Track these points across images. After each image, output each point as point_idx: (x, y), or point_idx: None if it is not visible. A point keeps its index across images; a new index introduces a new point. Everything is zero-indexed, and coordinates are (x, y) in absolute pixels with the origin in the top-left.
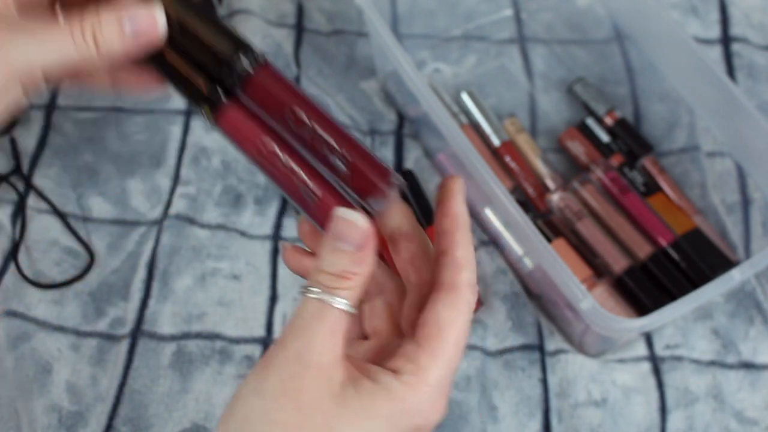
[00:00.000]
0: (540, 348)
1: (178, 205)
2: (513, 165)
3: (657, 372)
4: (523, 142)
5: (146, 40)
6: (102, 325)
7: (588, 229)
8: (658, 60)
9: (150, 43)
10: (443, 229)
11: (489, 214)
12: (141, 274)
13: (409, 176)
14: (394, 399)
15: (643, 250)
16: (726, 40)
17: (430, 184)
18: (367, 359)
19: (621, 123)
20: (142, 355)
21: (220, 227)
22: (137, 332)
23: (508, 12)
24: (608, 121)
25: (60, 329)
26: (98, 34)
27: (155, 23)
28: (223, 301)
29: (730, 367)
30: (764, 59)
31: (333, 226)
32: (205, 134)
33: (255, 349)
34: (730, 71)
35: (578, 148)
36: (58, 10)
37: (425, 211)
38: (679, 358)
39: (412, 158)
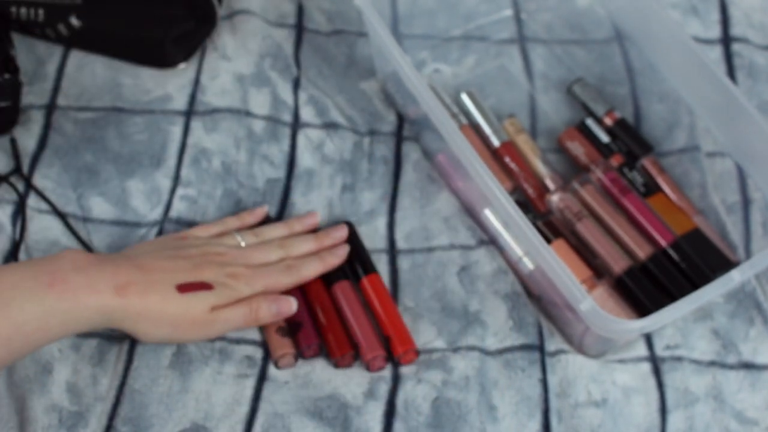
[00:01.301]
0: (540, 348)
1: (180, 209)
2: (513, 165)
3: (657, 372)
4: (523, 142)
5: (284, 315)
6: None
7: (588, 230)
8: (658, 60)
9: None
10: None
11: (488, 214)
12: None
13: (349, 227)
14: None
15: (643, 250)
16: (726, 40)
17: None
18: None
19: (620, 123)
20: (142, 356)
21: None
22: None
23: (508, 12)
24: (607, 121)
25: None
26: (259, 312)
27: (290, 308)
28: None
29: (731, 367)
30: (764, 59)
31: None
32: (205, 135)
33: (256, 351)
34: (731, 71)
35: (578, 148)
36: None
37: (363, 260)
38: (679, 359)
39: (411, 160)
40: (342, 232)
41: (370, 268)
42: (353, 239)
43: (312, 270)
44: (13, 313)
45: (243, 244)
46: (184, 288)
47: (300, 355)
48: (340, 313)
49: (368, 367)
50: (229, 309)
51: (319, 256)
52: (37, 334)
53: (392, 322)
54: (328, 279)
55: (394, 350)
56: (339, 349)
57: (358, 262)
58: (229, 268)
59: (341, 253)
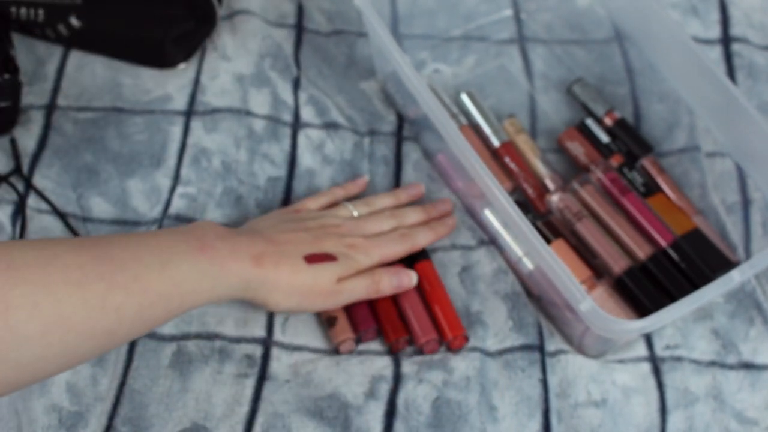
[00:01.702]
0: (540, 348)
1: (179, 206)
2: (512, 166)
3: (657, 372)
4: (523, 142)
5: (404, 289)
6: None
7: (588, 230)
8: (658, 60)
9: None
10: None
11: (488, 214)
12: None
13: None
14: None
15: (643, 250)
16: (726, 40)
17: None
18: None
19: (620, 123)
20: (142, 355)
21: None
22: None
23: (508, 12)
24: (607, 121)
25: None
26: (380, 284)
27: (410, 281)
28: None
29: (730, 367)
30: (764, 59)
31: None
32: (205, 135)
33: (256, 349)
34: (730, 71)
35: (578, 148)
36: None
37: None
38: (679, 359)
39: (412, 160)
40: (447, 206)
41: (423, 255)
42: None
43: (424, 239)
44: (172, 272)
45: (356, 214)
46: (312, 259)
47: (359, 339)
48: (394, 296)
49: (422, 351)
50: (353, 280)
51: (430, 225)
52: (191, 296)
53: (443, 308)
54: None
55: (444, 335)
56: (394, 332)
57: None
58: (347, 239)
59: (451, 223)
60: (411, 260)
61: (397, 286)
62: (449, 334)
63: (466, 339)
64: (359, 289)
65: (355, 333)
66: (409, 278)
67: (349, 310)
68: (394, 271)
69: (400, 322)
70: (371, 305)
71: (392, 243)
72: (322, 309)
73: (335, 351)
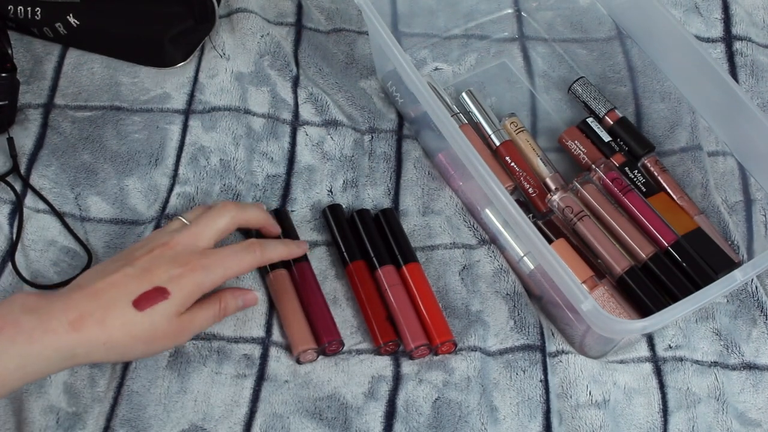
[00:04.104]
0: (541, 349)
1: (176, 205)
2: (513, 165)
3: (659, 373)
4: (524, 141)
5: (249, 306)
6: None
7: (589, 230)
8: (660, 59)
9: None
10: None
11: (489, 214)
12: None
13: (388, 214)
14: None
15: (645, 250)
16: (728, 38)
17: (429, 187)
18: None
19: (622, 122)
20: None
21: None
22: None
23: (509, 11)
24: (609, 120)
25: None
26: (227, 310)
27: (254, 299)
28: None
29: (733, 368)
30: (767, 58)
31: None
32: (203, 133)
33: (254, 349)
34: (733, 70)
35: (579, 147)
36: None
37: (403, 248)
38: (680, 359)
39: (412, 158)
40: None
41: (410, 257)
42: (393, 226)
43: (275, 251)
44: None
45: (187, 222)
46: (141, 303)
47: (322, 351)
48: (384, 299)
49: (411, 356)
50: (198, 312)
51: (282, 240)
52: None
53: (431, 313)
54: (372, 263)
55: (432, 341)
56: (383, 335)
57: (398, 250)
58: (181, 260)
59: (304, 247)
60: (398, 262)
61: (241, 307)
62: (437, 340)
63: (455, 345)
64: (206, 320)
65: (317, 345)
66: (254, 297)
67: (311, 322)
68: (239, 293)
69: (388, 325)
70: (357, 308)
71: (236, 254)
72: (173, 346)
73: (296, 361)
